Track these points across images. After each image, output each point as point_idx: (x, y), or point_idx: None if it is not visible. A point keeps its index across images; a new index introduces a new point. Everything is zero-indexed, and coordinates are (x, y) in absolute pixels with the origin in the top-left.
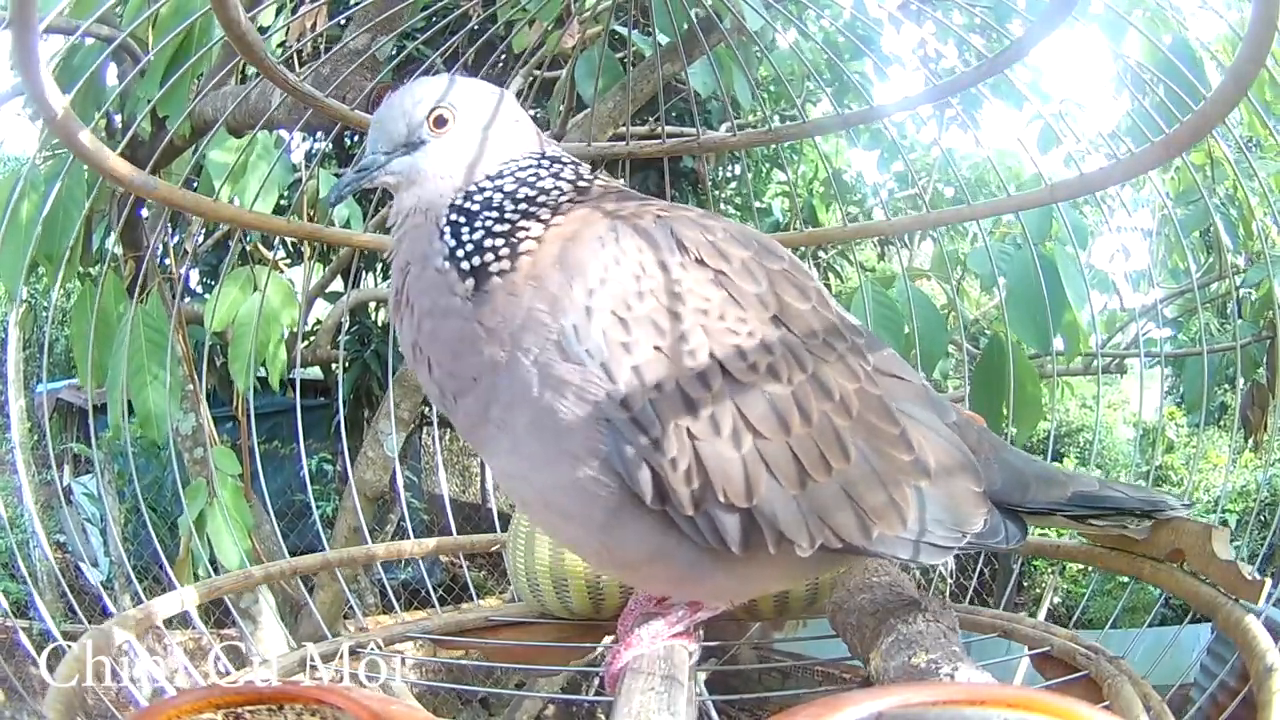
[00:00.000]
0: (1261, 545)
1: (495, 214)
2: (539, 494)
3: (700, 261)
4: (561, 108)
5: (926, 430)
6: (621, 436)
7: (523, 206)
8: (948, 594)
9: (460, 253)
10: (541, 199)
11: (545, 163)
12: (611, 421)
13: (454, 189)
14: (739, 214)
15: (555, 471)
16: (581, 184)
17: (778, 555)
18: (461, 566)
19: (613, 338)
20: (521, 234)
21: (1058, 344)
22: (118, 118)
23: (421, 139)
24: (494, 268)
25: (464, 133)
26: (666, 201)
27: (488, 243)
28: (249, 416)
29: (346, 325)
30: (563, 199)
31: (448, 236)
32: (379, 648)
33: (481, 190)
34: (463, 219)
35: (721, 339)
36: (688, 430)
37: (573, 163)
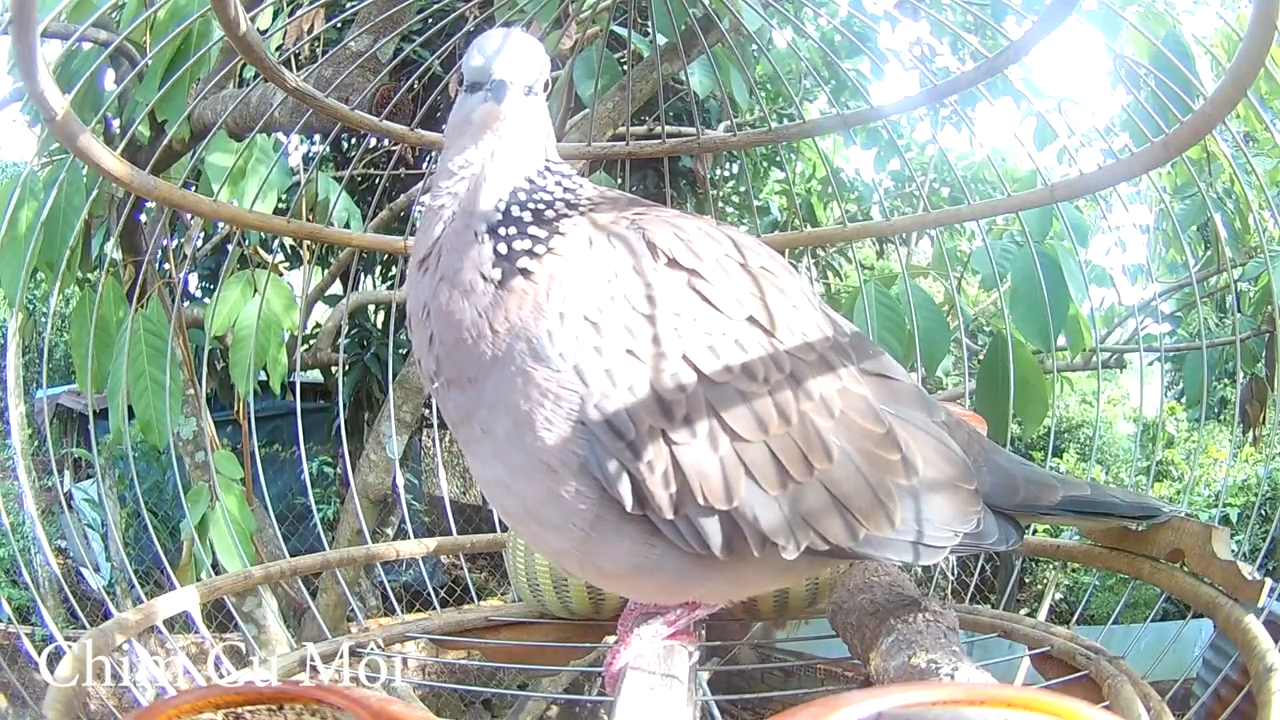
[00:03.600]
0: (1262, 540)
1: (547, 198)
2: (520, 503)
3: (673, 263)
4: (560, 108)
5: (914, 429)
6: (598, 442)
7: (568, 198)
8: (949, 592)
9: (503, 229)
10: (579, 192)
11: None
12: (587, 427)
13: (536, 153)
14: (737, 213)
15: (535, 482)
16: (585, 191)
17: (764, 559)
18: (462, 569)
19: (585, 342)
20: (561, 224)
21: (1060, 341)
22: (115, 122)
23: (536, 91)
24: (521, 263)
25: (545, 106)
26: (644, 203)
27: (531, 230)
28: (250, 420)
29: (346, 328)
30: (593, 197)
31: (503, 204)
32: (379, 648)
33: (549, 169)
34: (523, 194)
35: (695, 341)
36: (663, 433)
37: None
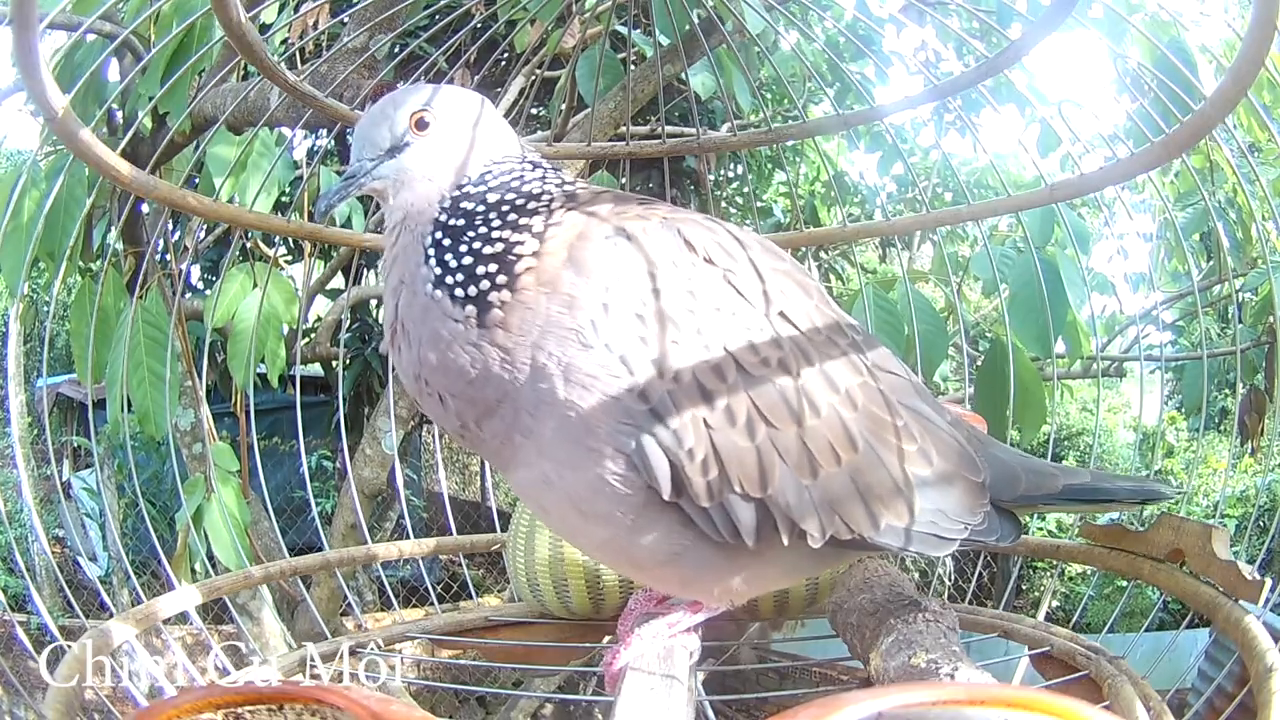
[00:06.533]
0: (1260, 550)
1: (483, 231)
2: (564, 496)
3: (709, 260)
4: (562, 107)
5: (926, 422)
6: (640, 428)
7: (511, 218)
8: (946, 596)
9: (449, 279)
10: (531, 205)
11: (528, 166)
12: (631, 414)
13: (439, 193)
14: (740, 214)
15: (583, 470)
16: (568, 188)
17: (786, 550)
18: (461, 564)
19: (630, 332)
20: (518, 251)
21: (1059, 347)
22: (119, 114)
23: (405, 141)
24: (493, 297)
25: (446, 133)
26: (668, 204)
27: (480, 269)
28: (248, 413)
29: (347, 322)
30: (555, 204)
31: (433, 261)
32: (379, 648)
33: (467, 197)
34: (447, 239)
35: (734, 333)
36: (704, 421)
37: (553, 167)
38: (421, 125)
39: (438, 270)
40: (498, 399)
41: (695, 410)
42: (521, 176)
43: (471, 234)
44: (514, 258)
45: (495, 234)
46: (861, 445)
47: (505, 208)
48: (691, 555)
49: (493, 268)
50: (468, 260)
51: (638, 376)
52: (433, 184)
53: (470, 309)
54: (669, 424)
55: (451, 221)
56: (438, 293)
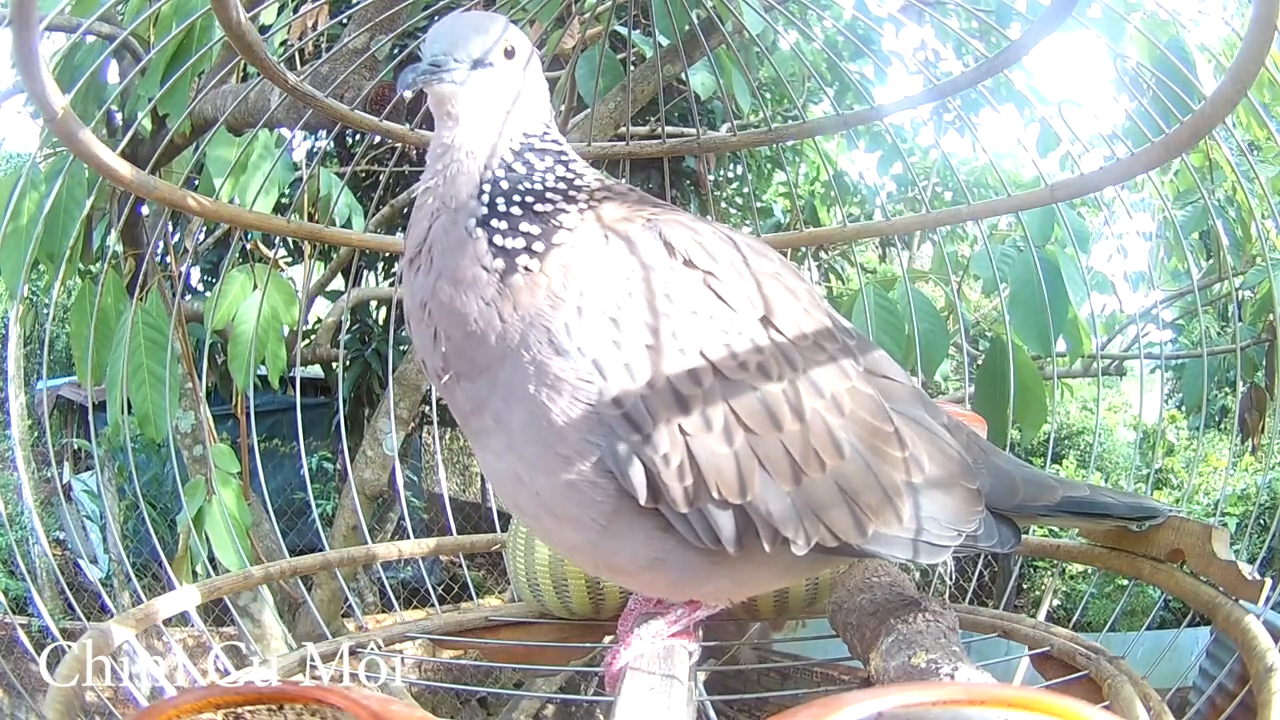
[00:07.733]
0: (1261, 549)
1: (538, 188)
2: (535, 497)
3: (689, 263)
4: (562, 108)
5: (919, 428)
6: (614, 434)
7: (561, 187)
8: (947, 596)
9: (494, 222)
10: (579, 183)
11: (565, 144)
12: (604, 419)
13: (508, 133)
14: (740, 214)
15: (552, 475)
16: (603, 178)
17: (773, 555)
18: (461, 565)
19: (603, 336)
20: (560, 220)
21: (1060, 346)
22: (118, 115)
23: (490, 61)
24: (521, 261)
25: (523, 72)
26: (652, 200)
27: (524, 226)
28: (249, 414)
29: (347, 324)
30: (596, 190)
31: (485, 197)
32: (379, 648)
33: (532, 149)
34: (506, 181)
35: (711, 338)
36: (679, 426)
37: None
38: (510, 54)
39: (484, 210)
40: (484, 367)
41: (670, 416)
42: (566, 153)
43: (528, 184)
44: (554, 226)
45: (549, 193)
46: (848, 451)
47: (559, 175)
48: (675, 560)
49: (535, 230)
50: (516, 210)
51: (610, 381)
52: (498, 120)
53: (500, 263)
54: (643, 429)
55: (516, 166)
56: (479, 230)
